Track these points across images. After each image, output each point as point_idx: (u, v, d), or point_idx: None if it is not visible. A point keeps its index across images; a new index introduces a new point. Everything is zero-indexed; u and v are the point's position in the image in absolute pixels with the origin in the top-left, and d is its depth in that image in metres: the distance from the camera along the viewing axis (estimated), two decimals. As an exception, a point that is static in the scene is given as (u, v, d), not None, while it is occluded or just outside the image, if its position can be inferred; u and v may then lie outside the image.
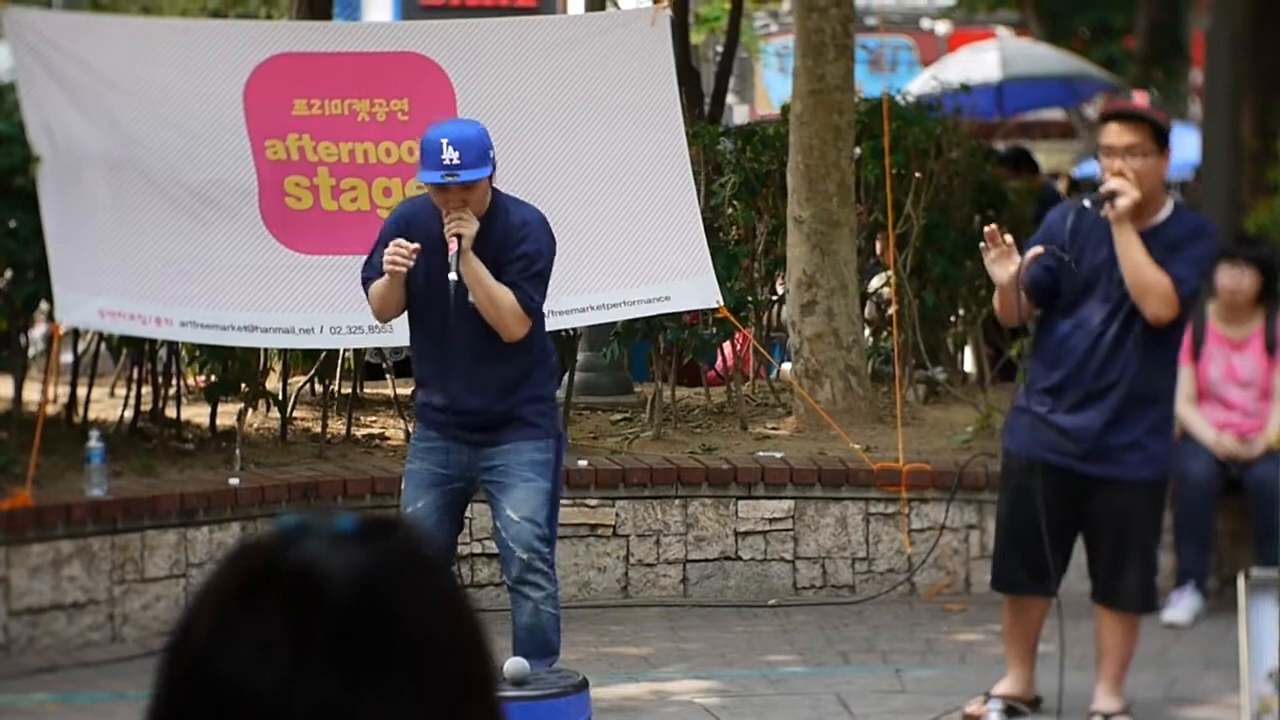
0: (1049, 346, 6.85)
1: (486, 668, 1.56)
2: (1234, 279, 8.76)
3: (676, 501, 9.15)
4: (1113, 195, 6.62)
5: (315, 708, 1.45)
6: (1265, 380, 8.73)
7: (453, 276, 6.50)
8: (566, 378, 10.18)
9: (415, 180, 8.94)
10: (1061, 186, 17.24)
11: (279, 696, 1.46)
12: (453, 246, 6.52)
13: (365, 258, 6.88)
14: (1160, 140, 6.75)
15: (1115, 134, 6.72)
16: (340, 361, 10.21)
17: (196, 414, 9.94)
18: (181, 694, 1.50)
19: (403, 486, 6.90)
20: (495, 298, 6.56)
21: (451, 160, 6.52)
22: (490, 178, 6.64)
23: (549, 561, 6.67)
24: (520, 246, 6.63)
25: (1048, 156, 20.41)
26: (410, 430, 9.90)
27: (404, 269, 6.57)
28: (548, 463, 6.69)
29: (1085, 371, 6.76)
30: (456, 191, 6.56)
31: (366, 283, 6.78)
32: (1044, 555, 6.80)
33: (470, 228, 6.53)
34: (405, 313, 6.82)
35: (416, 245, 6.57)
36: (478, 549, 8.84)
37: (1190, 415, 8.77)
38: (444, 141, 6.55)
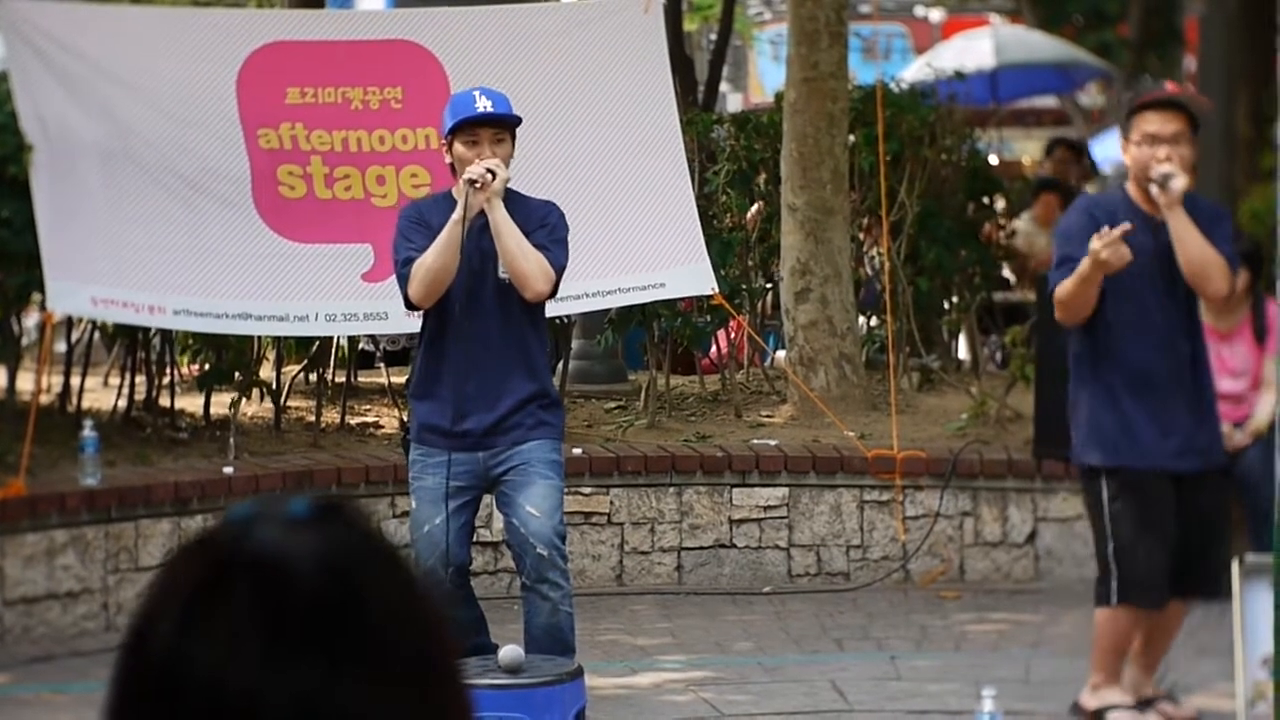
0: (1117, 345, 6.70)
1: (449, 644, 1.54)
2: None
3: (671, 489, 9.15)
4: (1166, 179, 6.62)
5: (293, 696, 1.43)
6: (1257, 368, 8.72)
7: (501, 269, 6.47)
8: (561, 366, 10.16)
9: (409, 169, 8.99)
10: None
11: (255, 689, 1.43)
12: (479, 173, 6.42)
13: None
14: (1194, 130, 6.81)
15: (1160, 122, 6.71)
16: (334, 350, 10.20)
17: (190, 403, 9.93)
18: (147, 694, 1.46)
19: (412, 505, 6.66)
20: (525, 247, 6.48)
21: (485, 106, 6.55)
22: (512, 147, 6.61)
23: (566, 558, 6.60)
24: (545, 218, 6.64)
25: (1042, 144, 20.38)
26: (404, 420, 9.95)
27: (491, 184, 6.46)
28: (561, 464, 6.64)
29: (1174, 365, 6.69)
30: (488, 139, 6.54)
31: (406, 265, 6.52)
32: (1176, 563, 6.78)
33: (504, 169, 6.47)
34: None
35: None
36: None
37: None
38: (475, 93, 6.62)
